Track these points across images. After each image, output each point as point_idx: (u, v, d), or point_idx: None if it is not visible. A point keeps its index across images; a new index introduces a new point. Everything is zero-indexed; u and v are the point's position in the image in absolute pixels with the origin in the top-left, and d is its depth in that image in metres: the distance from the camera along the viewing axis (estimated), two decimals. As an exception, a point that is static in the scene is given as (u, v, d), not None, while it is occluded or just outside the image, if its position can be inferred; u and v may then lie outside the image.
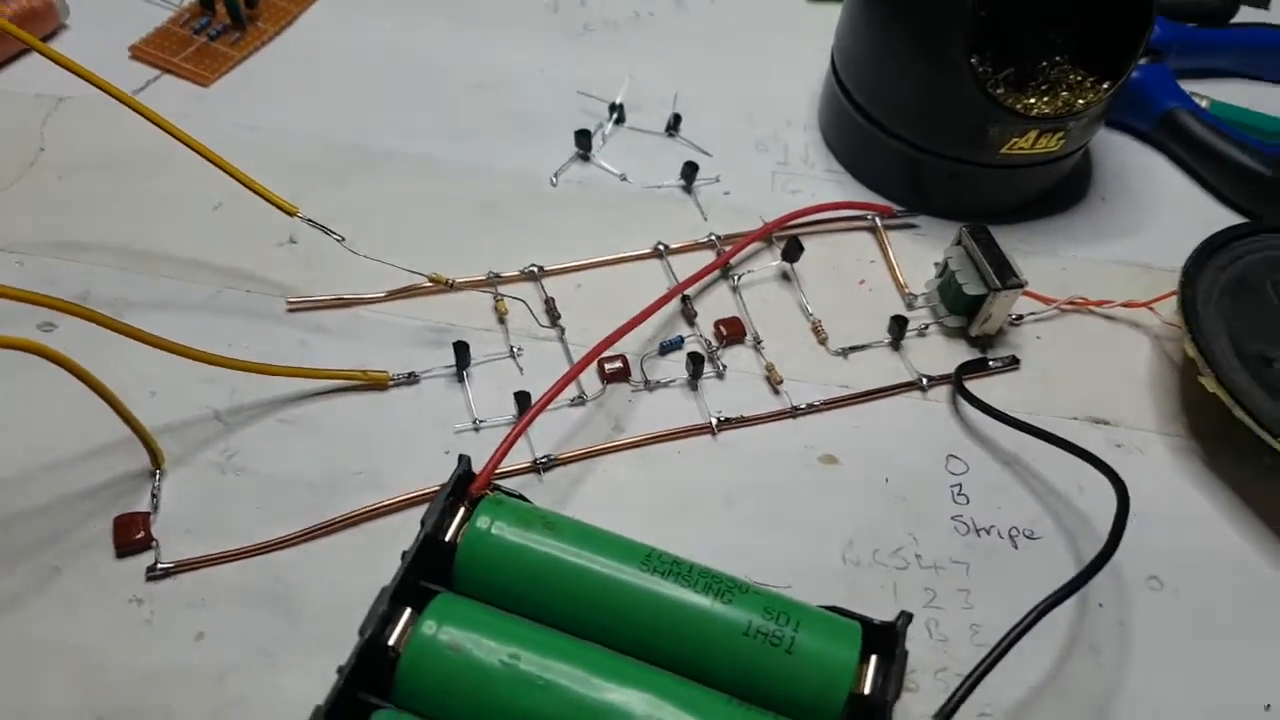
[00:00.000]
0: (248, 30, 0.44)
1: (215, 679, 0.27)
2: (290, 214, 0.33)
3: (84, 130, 0.40)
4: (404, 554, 0.26)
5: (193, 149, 0.32)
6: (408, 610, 0.25)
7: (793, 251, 0.37)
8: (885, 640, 0.26)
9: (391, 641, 0.24)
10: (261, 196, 0.32)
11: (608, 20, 0.48)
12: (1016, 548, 0.32)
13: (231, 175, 0.32)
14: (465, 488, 0.28)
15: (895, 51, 0.38)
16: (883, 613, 0.26)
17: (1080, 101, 0.38)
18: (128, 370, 0.32)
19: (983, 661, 0.26)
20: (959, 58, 0.36)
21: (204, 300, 0.35)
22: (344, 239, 0.33)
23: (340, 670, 0.23)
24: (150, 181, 0.39)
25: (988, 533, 0.32)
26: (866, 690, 0.25)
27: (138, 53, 0.43)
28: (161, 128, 0.32)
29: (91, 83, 0.32)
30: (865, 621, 0.26)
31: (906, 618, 0.26)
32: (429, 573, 0.26)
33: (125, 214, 0.37)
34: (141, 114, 0.32)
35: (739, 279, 0.37)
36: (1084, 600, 0.31)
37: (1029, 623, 0.27)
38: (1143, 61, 0.46)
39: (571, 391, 0.34)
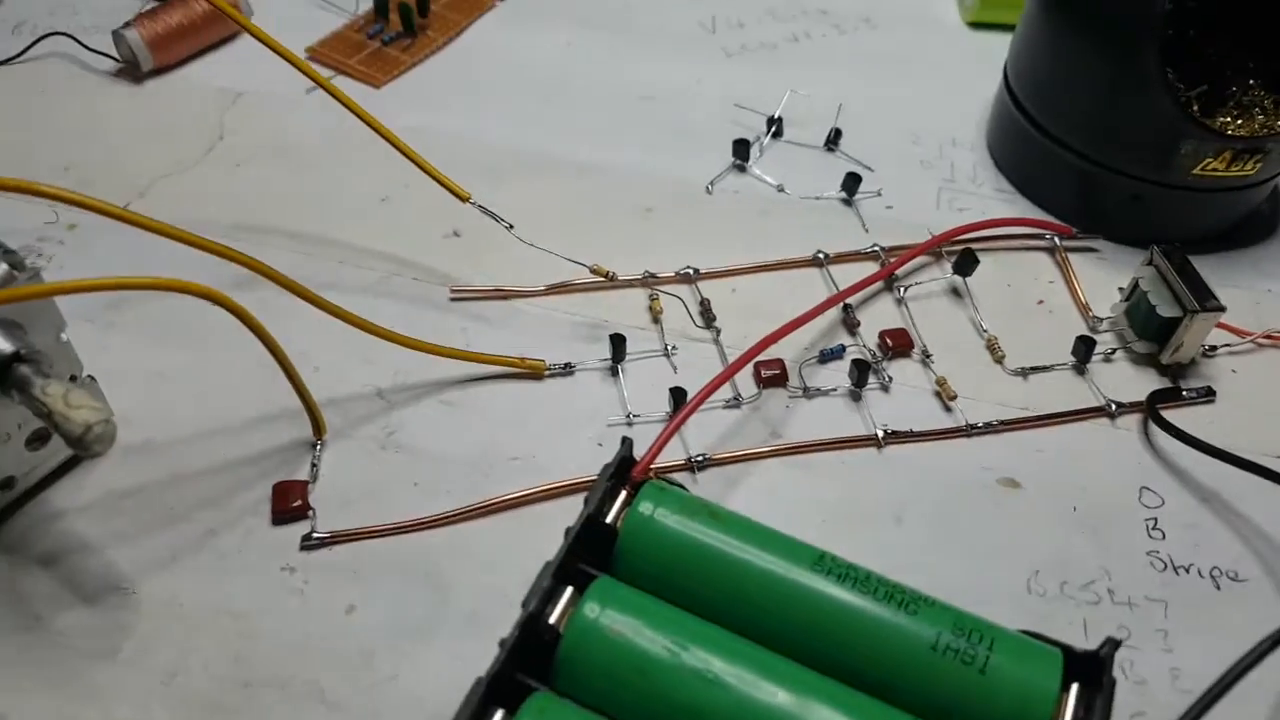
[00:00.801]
0: (418, 38, 0.45)
1: (365, 655, 0.26)
2: (463, 199, 0.33)
3: (259, 123, 0.41)
4: (567, 530, 0.25)
5: (380, 133, 0.32)
6: (569, 589, 0.24)
7: (966, 264, 0.35)
8: (1088, 670, 0.23)
9: (553, 620, 0.23)
10: (437, 181, 0.33)
11: (765, 42, 0.47)
12: (1219, 589, 0.29)
13: (411, 159, 0.32)
14: (627, 471, 0.26)
15: (1080, 62, 0.36)
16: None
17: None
18: (293, 347, 0.32)
19: (1210, 691, 0.23)
20: (1152, 66, 0.34)
21: (371, 284, 0.35)
22: (512, 226, 0.33)
23: (502, 643, 0.22)
24: (320, 174, 0.39)
25: (1186, 571, 0.29)
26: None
27: (314, 54, 0.44)
28: (355, 112, 0.32)
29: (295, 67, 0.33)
30: (1065, 648, 0.24)
31: (1113, 645, 0.23)
32: (589, 555, 0.25)
33: (296, 202, 0.38)
34: (340, 100, 0.32)
35: (905, 291, 0.36)
36: (1297, 653, 0.28)
37: (1259, 655, 0.24)
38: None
39: (726, 393, 0.33)
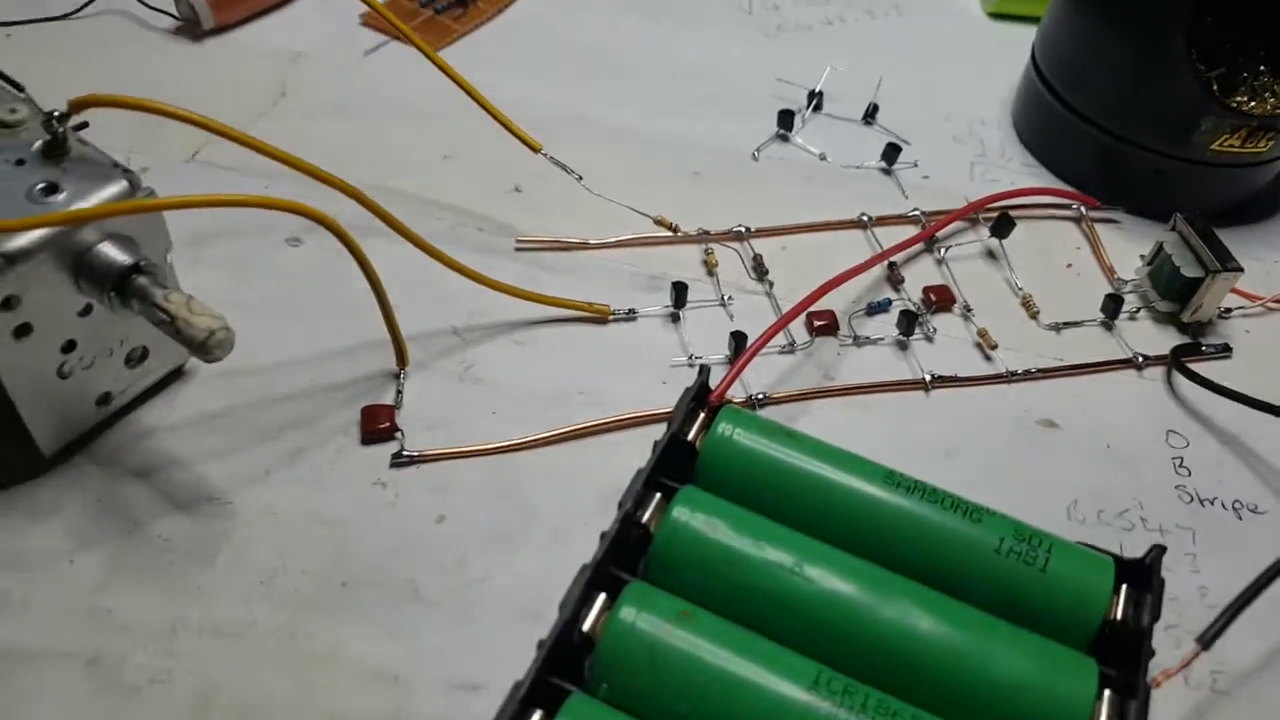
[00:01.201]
0: (470, 8, 0.47)
1: (458, 558, 0.28)
2: (535, 149, 0.34)
3: (320, 82, 0.43)
4: (655, 443, 0.26)
5: (455, 81, 0.34)
6: (657, 496, 0.26)
7: (1003, 227, 0.37)
8: (1135, 575, 0.25)
9: (645, 519, 0.25)
10: (510, 131, 0.34)
11: (800, 24, 0.49)
12: (1241, 519, 0.31)
13: (485, 107, 0.34)
14: (705, 396, 0.28)
15: (1108, 44, 0.39)
16: (1121, 556, 0.26)
17: (1291, 106, 0.38)
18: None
19: (1247, 591, 0.25)
20: (1180, 48, 0.36)
21: (439, 233, 0.37)
22: (581, 177, 0.35)
23: (603, 536, 0.24)
24: (381, 132, 0.41)
25: (1211, 503, 0.31)
26: (1119, 616, 0.24)
27: (369, 20, 0.46)
28: (440, 67, 0.34)
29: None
30: (1115, 556, 0.26)
31: (1160, 550, 0.25)
32: (671, 474, 0.27)
33: (360, 157, 0.40)
34: (422, 50, 0.35)
35: (944, 252, 0.38)
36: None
37: (1276, 573, 0.26)
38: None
39: (780, 340, 0.35)
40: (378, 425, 0.30)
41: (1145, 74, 0.38)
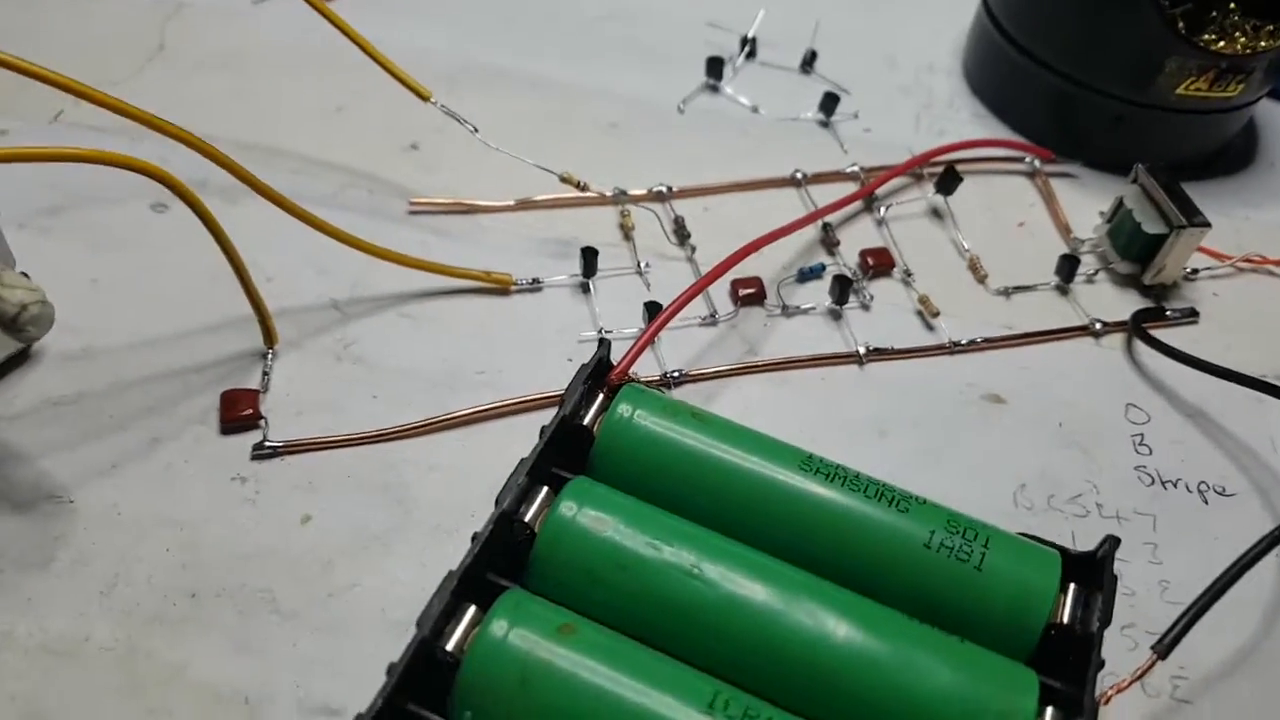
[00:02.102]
0: (375, -47, 0.43)
1: (322, 564, 0.25)
2: (424, 98, 0.31)
3: (203, 33, 0.39)
4: (542, 429, 0.23)
5: (339, 27, 0.30)
6: (544, 489, 0.22)
7: (949, 182, 0.34)
8: (1085, 571, 0.22)
9: (528, 518, 0.22)
10: (398, 79, 0.31)
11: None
12: (1206, 503, 0.28)
13: (371, 55, 0.30)
14: (604, 374, 0.25)
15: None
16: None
17: (1263, 43, 0.35)
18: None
19: (1209, 590, 0.22)
20: (1139, -21, 0.33)
21: (325, 196, 0.33)
22: (476, 129, 0.31)
23: (475, 537, 0.21)
24: (269, 85, 0.37)
25: (1174, 485, 0.28)
26: (1065, 619, 0.21)
27: (263, -34, 0.42)
28: (323, 13, 0.30)
29: None
30: (1062, 549, 0.23)
31: (1113, 543, 0.22)
32: (565, 461, 0.23)
33: (244, 113, 0.36)
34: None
35: (885, 211, 0.35)
36: (1284, 563, 0.27)
37: (1252, 558, 0.23)
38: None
39: (702, 310, 0.31)
40: (239, 412, 0.27)
41: (1103, 10, 0.35)
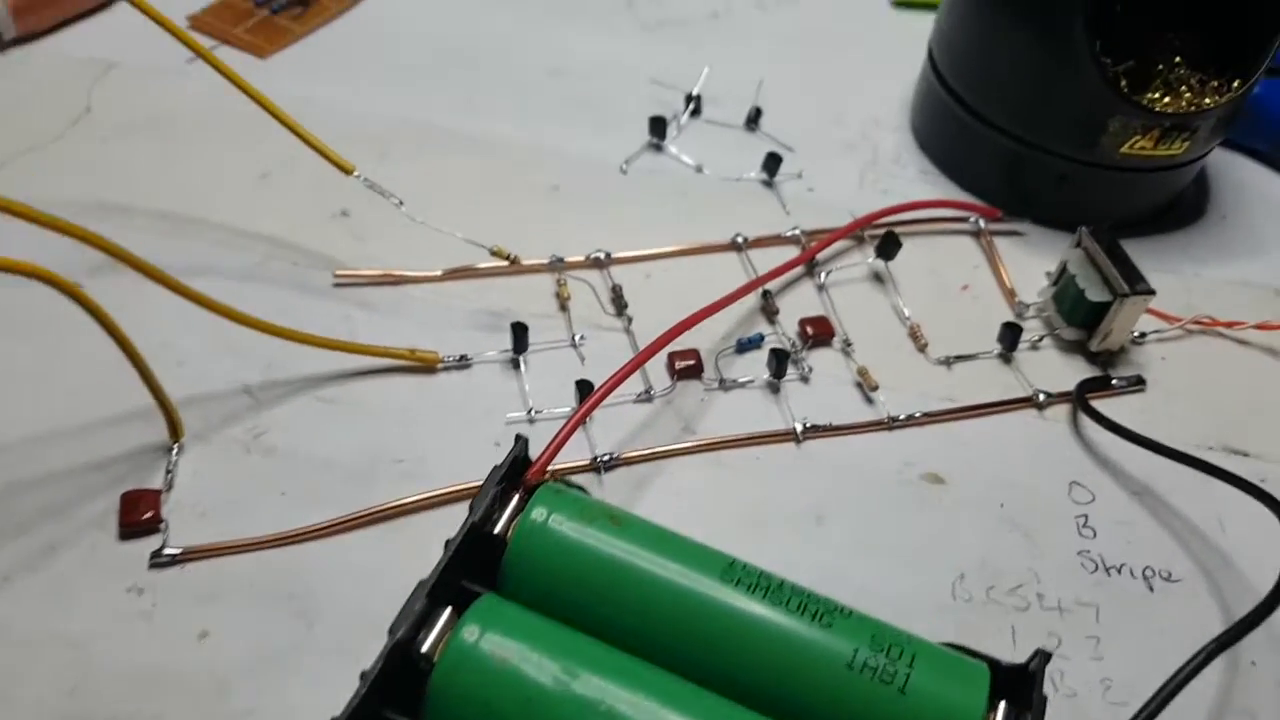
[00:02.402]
0: (311, 6, 0.42)
1: (218, 686, 0.23)
2: (347, 172, 0.30)
3: (132, 96, 0.38)
4: (448, 542, 0.22)
5: (257, 101, 0.29)
6: (447, 610, 0.21)
7: (889, 248, 0.33)
8: (1016, 685, 0.21)
9: (425, 648, 0.20)
10: (318, 152, 0.30)
11: (684, 18, 0.45)
12: (1152, 590, 0.27)
13: (290, 129, 0.29)
14: (520, 473, 0.24)
15: (1006, 36, 0.35)
16: (1000, 658, 0.22)
17: (1208, 101, 0.34)
18: (154, 338, 0.29)
19: (1154, 699, 0.21)
20: (1080, 40, 0.32)
21: (246, 270, 0.32)
22: (402, 203, 0.30)
23: (364, 676, 0.20)
24: (195, 150, 0.36)
25: (1119, 571, 0.27)
26: (995, 741, 0.20)
27: (196, 22, 0.41)
28: (225, 75, 0.29)
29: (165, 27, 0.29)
30: (991, 662, 0.22)
31: (1044, 657, 0.21)
32: (474, 571, 0.22)
33: (168, 180, 0.35)
34: (215, 67, 0.29)
35: (826, 276, 0.34)
36: (1235, 660, 0.26)
37: (1194, 668, 0.22)
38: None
39: (638, 386, 0.30)
40: (139, 516, 0.26)
41: (1045, 70, 0.34)
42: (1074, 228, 0.33)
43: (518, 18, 0.43)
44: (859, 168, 0.38)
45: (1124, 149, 0.34)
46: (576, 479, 0.28)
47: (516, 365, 0.31)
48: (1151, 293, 0.31)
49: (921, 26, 0.39)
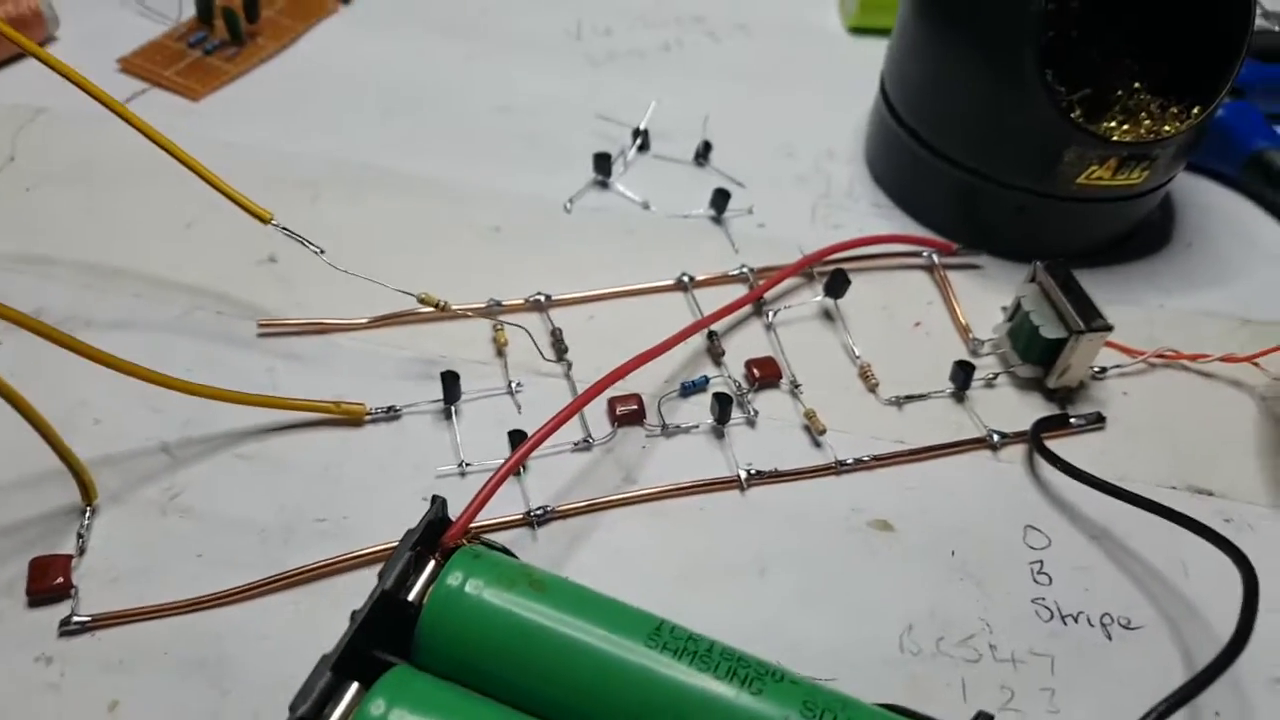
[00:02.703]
0: (246, 46, 0.41)
1: (120, 764, 0.22)
2: (264, 221, 0.29)
3: (58, 143, 0.37)
4: (353, 614, 0.21)
5: (166, 150, 0.28)
6: (354, 686, 0.20)
7: (838, 286, 0.32)
8: (958, 749, 0.20)
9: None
10: (234, 201, 0.28)
11: (634, 49, 0.44)
12: (1110, 639, 0.26)
13: (204, 178, 0.28)
14: (437, 535, 0.23)
15: (956, 67, 0.34)
16: (951, 715, 0.21)
17: (1167, 128, 0.34)
18: (72, 395, 0.28)
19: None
20: (1030, 70, 0.32)
21: (168, 321, 0.31)
22: (323, 251, 0.29)
23: (257, 761, 0.18)
24: (121, 197, 0.35)
25: (1075, 620, 0.26)
26: (934, 815, 0.19)
27: (127, 65, 0.40)
28: (136, 127, 0.28)
29: (70, 79, 0.28)
30: (931, 724, 0.21)
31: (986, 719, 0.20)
32: (386, 640, 0.21)
33: (92, 229, 0.34)
34: (121, 115, 0.28)
35: (774, 315, 0.33)
36: (1195, 709, 0.25)
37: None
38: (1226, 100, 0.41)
39: (576, 434, 0.29)
40: (49, 583, 0.24)
41: (996, 100, 0.33)
42: (1032, 260, 0.32)
43: (466, 54, 0.43)
44: (811, 201, 0.37)
45: (1080, 179, 0.33)
46: (508, 535, 0.27)
47: (448, 415, 0.29)
48: (1109, 328, 0.30)
49: (877, 53, 0.38)
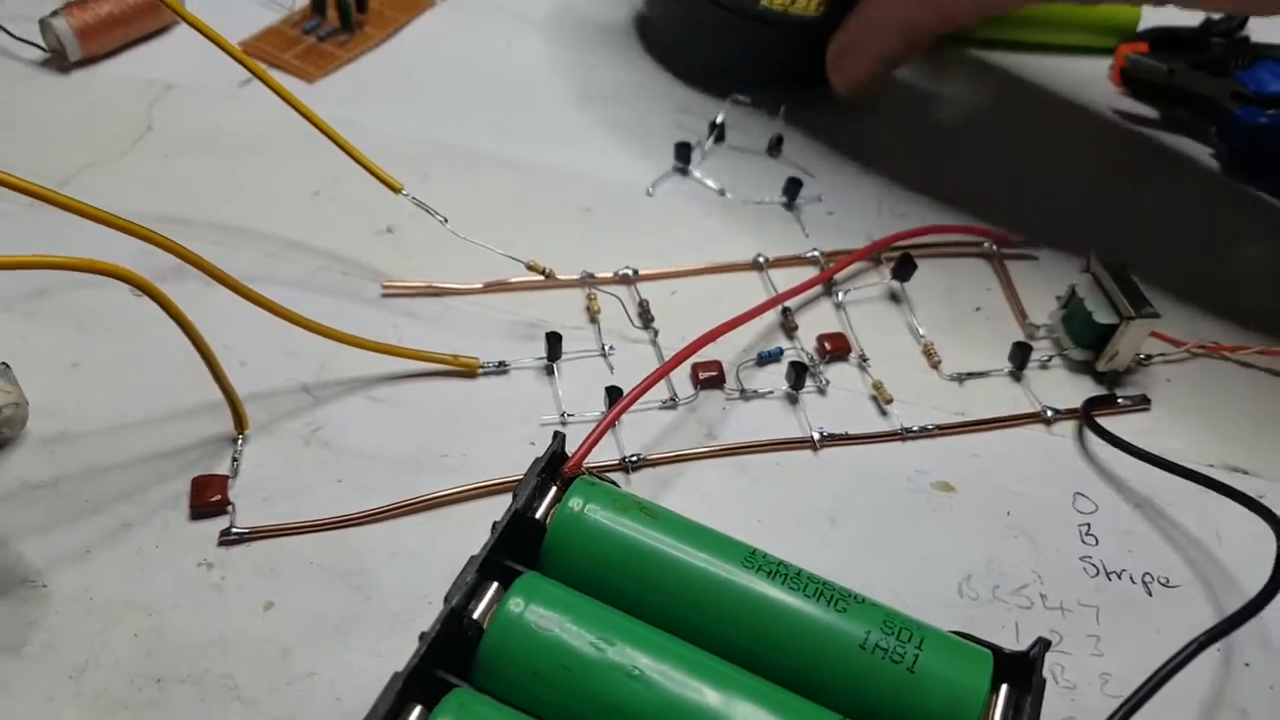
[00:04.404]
0: (355, 34, 0.44)
1: (282, 651, 0.25)
2: (395, 190, 0.32)
3: (190, 115, 0.40)
4: (494, 524, 0.24)
5: (311, 121, 0.32)
6: (494, 585, 0.23)
7: (905, 269, 0.35)
8: (1018, 671, 0.23)
9: (476, 615, 0.22)
10: (370, 171, 0.32)
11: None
12: (1150, 594, 0.29)
13: (343, 148, 0.32)
14: (558, 466, 0.26)
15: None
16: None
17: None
18: (217, 339, 0.31)
19: (1133, 697, 0.23)
20: None
21: (299, 279, 0.34)
22: (446, 220, 0.32)
23: (423, 636, 0.21)
24: (250, 167, 0.38)
25: (1119, 577, 0.29)
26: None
27: (248, 48, 0.43)
28: (286, 99, 0.32)
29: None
30: (995, 649, 0.23)
31: (1043, 645, 0.23)
32: (515, 553, 0.24)
33: (225, 195, 0.37)
34: (271, 87, 0.32)
35: (843, 296, 0.36)
36: (1228, 659, 0.28)
37: (1186, 656, 0.24)
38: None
39: (662, 393, 0.32)
40: (208, 499, 0.28)
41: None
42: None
43: (547, 49, 0.46)
44: (877, 193, 0.40)
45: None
46: (606, 476, 0.30)
47: (550, 372, 0.33)
48: (1157, 316, 0.32)
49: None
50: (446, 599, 0.22)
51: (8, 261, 0.25)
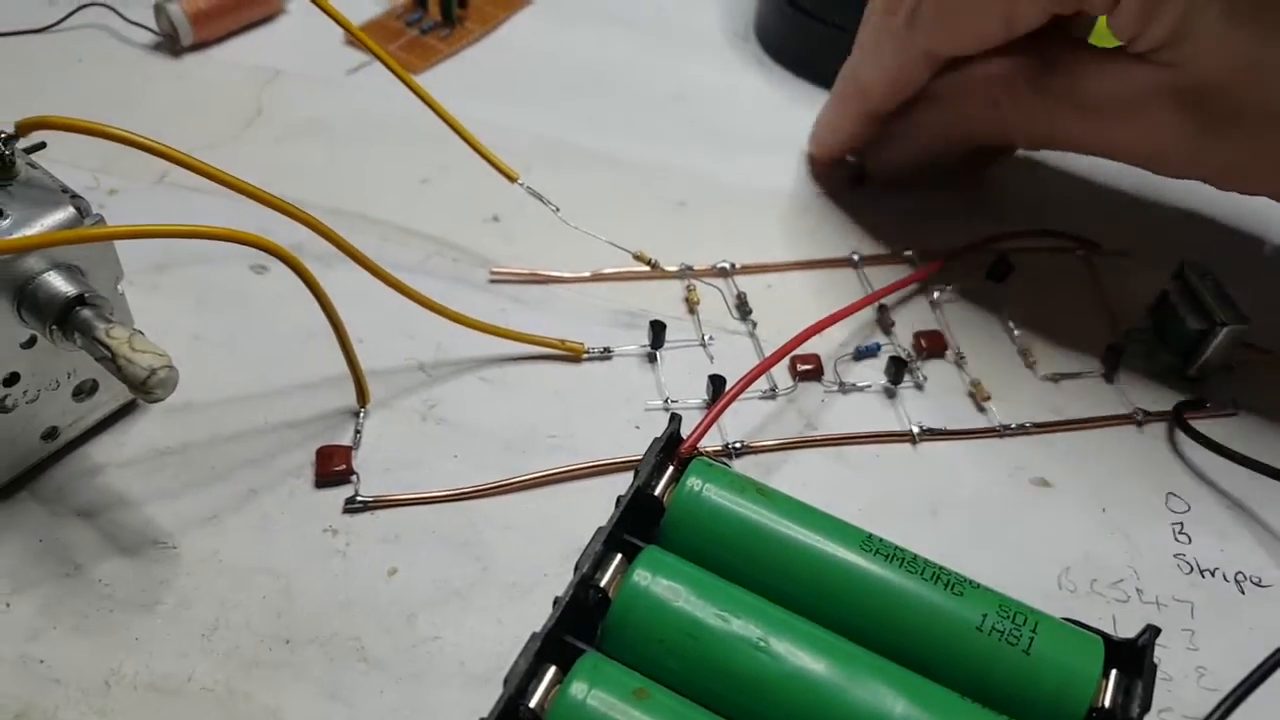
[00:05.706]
0: (456, 29, 0.46)
1: (407, 616, 0.26)
2: (512, 179, 0.33)
3: (298, 101, 0.42)
4: (619, 499, 0.25)
5: (431, 107, 0.33)
6: (618, 557, 0.24)
7: (1001, 270, 0.36)
8: (1126, 658, 0.24)
9: (603, 583, 0.23)
10: (487, 160, 0.33)
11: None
12: (1243, 593, 0.29)
13: (461, 135, 0.33)
14: (675, 446, 0.27)
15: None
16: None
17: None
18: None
19: (1247, 680, 0.23)
20: None
21: (412, 263, 0.36)
22: (559, 209, 0.34)
23: (556, 600, 0.22)
24: (358, 154, 0.40)
25: (1212, 575, 0.29)
26: (1107, 704, 0.23)
27: (352, 39, 0.45)
28: (407, 83, 0.33)
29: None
30: (1105, 636, 0.24)
31: (1153, 632, 0.24)
32: (636, 529, 0.25)
33: (335, 180, 0.39)
34: (397, 73, 0.33)
35: (939, 294, 0.36)
36: (1320, 659, 0.28)
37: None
38: None
39: (762, 384, 0.33)
40: (333, 468, 0.29)
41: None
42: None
43: (642, 46, 0.47)
44: (966, 196, 0.41)
45: None
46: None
47: (653, 359, 0.34)
48: (1247, 322, 0.33)
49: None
50: (576, 567, 0.23)
51: (159, 230, 0.26)
